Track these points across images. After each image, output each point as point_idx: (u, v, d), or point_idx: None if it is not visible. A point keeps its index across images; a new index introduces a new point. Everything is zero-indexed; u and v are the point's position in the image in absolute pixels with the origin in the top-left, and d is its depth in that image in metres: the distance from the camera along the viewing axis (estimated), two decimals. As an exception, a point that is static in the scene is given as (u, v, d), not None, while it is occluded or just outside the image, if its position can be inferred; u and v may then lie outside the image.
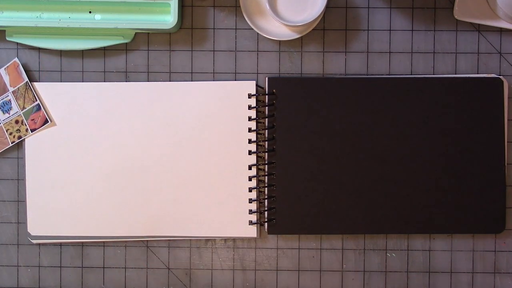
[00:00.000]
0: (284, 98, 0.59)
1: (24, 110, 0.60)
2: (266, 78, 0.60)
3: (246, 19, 0.59)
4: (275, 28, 0.59)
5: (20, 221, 0.62)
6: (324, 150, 0.59)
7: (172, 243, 0.62)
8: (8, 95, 0.60)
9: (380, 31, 0.61)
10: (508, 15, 0.58)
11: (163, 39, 0.61)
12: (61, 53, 0.62)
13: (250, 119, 0.60)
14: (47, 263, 0.62)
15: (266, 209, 0.60)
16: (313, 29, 0.60)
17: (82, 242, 0.61)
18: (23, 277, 0.62)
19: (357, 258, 0.61)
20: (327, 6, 0.60)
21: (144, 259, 0.62)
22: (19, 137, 0.60)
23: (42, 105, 0.60)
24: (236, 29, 0.61)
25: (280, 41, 0.61)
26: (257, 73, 0.61)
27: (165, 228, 0.60)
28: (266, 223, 0.60)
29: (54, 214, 0.60)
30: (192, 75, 0.62)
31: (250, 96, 0.60)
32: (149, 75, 0.62)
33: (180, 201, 0.60)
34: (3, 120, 0.61)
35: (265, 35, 0.59)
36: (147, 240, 0.62)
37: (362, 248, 0.61)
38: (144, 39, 0.61)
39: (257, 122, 0.60)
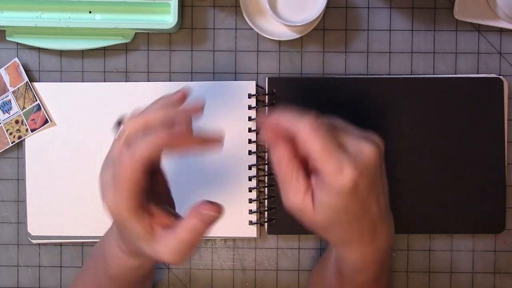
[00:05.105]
0: (284, 98, 0.59)
1: (24, 110, 0.60)
2: (266, 78, 0.60)
3: (246, 19, 0.59)
4: (275, 28, 0.59)
5: (20, 221, 0.62)
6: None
7: (172, 243, 0.62)
8: (8, 95, 0.60)
9: (380, 31, 0.61)
10: (508, 15, 0.58)
11: (163, 39, 0.61)
12: (61, 53, 0.62)
13: (250, 119, 0.60)
14: (47, 263, 0.62)
15: (266, 209, 0.60)
16: (313, 29, 0.59)
17: (82, 242, 0.61)
18: (23, 277, 0.62)
19: (357, 258, 0.61)
20: (327, 6, 0.60)
21: (144, 259, 0.62)
22: (19, 137, 0.60)
23: (42, 105, 0.60)
24: (236, 29, 0.61)
25: (280, 41, 0.61)
26: (257, 73, 0.61)
27: (165, 228, 0.60)
28: (266, 223, 0.60)
29: (54, 214, 0.60)
30: (192, 75, 0.62)
31: (250, 96, 0.60)
32: (149, 75, 0.61)
33: (180, 201, 0.60)
34: (3, 120, 0.61)
35: (265, 35, 0.59)
36: (147, 240, 0.61)
37: (362, 248, 0.61)
38: (144, 39, 0.61)
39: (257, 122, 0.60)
